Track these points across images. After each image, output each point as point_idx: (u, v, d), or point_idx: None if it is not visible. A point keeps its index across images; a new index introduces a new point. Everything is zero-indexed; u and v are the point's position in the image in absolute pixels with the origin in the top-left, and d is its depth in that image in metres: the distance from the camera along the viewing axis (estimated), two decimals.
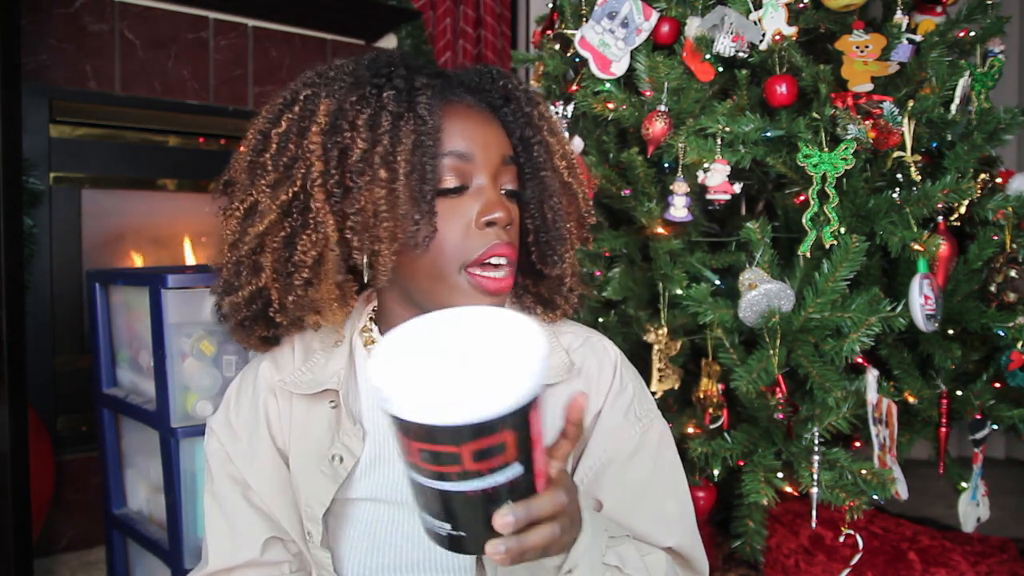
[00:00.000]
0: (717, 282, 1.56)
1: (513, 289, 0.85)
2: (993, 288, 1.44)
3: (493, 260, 0.73)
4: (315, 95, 0.73)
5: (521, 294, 0.85)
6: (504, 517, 0.51)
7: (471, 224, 0.73)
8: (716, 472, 1.48)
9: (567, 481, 0.58)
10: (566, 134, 0.87)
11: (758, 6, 1.46)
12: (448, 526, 0.52)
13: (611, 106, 1.55)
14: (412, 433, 0.49)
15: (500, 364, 0.49)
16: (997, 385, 1.51)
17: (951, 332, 1.51)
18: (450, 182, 0.73)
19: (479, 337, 0.53)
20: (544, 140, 0.79)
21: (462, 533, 0.52)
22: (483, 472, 0.50)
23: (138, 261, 2.42)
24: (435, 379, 0.49)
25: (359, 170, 0.70)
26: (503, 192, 0.76)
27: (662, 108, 1.48)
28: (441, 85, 0.76)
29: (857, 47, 1.44)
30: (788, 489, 1.44)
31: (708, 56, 1.49)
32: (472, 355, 0.51)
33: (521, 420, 0.50)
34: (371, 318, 0.85)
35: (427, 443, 0.49)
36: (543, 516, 0.54)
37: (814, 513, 1.36)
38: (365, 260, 0.73)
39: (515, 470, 0.51)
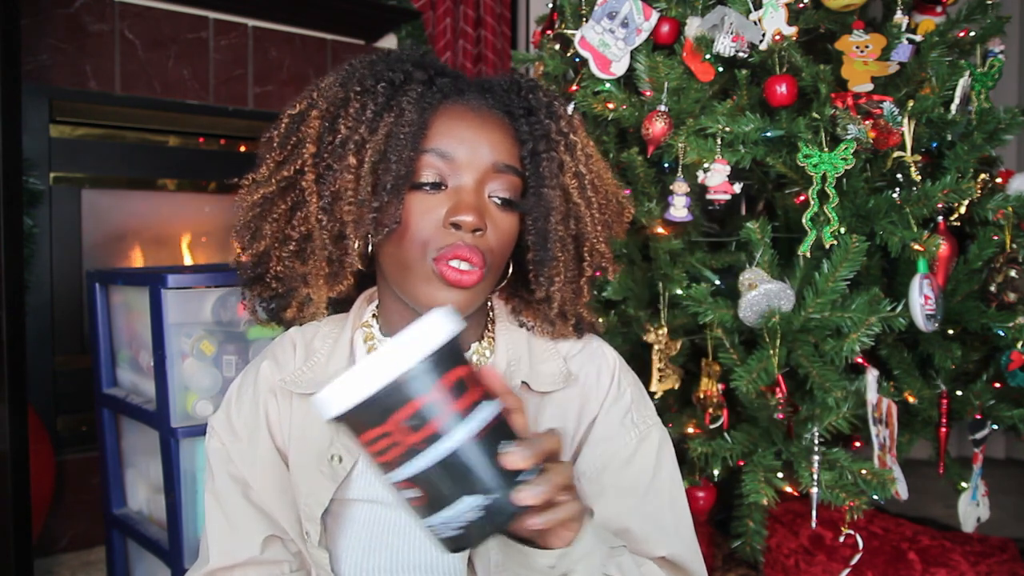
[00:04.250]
0: (717, 282, 1.56)
1: (509, 303, 0.85)
2: (993, 288, 1.44)
3: (453, 263, 0.72)
4: (332, 83, 0.76)
5: (519, 309, 0.84)
6: (508, 449, 0.55)
7: (441, 222, 0.73)
8: (716, 472, 1.48)
9: (567, 467, 0.60)
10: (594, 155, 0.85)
11: (758, 6, 1.46)
12: (479, 497, 0.53)
13: (611, 106, 1.55)
14: (379, 417, 0.52)
15: (399, 339, 0.53)
16: (997, 385, 1.51)
17: (951, 332, 1.51)
18: (426, 177, 0.73)
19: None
20: (556, 156, 0.77)
21: (494, 495, 0.53)
22: (462, 413, 0.53)
23: (138, 261, 2.42)
24: (354, 369, 0.53)
25: (338, 155, 0.73)
26: (492, 199, 0.75)
27: (662, 108, 1.48)
28: (449, 85, 0.76)
29: (857, 47, 1.44)
30: (788, 489, 1.44)
31: (708, 56, 1.49)
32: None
33: (445, 364, 0.54)
34: (373, 315, 0.85)
35: (402, 410, 0.52)
36: (543, 449, 0.56)
37: (814, 513, 1.36)
38: (357, 244, 0.74)
39: (491, 408, 0.55)
